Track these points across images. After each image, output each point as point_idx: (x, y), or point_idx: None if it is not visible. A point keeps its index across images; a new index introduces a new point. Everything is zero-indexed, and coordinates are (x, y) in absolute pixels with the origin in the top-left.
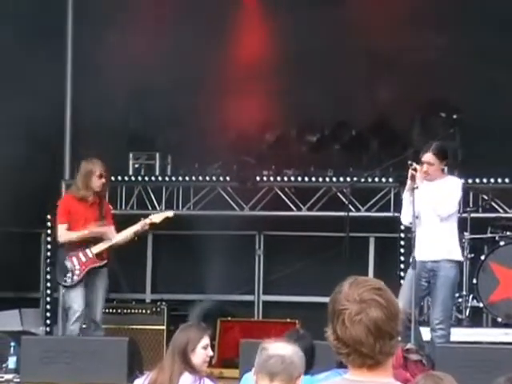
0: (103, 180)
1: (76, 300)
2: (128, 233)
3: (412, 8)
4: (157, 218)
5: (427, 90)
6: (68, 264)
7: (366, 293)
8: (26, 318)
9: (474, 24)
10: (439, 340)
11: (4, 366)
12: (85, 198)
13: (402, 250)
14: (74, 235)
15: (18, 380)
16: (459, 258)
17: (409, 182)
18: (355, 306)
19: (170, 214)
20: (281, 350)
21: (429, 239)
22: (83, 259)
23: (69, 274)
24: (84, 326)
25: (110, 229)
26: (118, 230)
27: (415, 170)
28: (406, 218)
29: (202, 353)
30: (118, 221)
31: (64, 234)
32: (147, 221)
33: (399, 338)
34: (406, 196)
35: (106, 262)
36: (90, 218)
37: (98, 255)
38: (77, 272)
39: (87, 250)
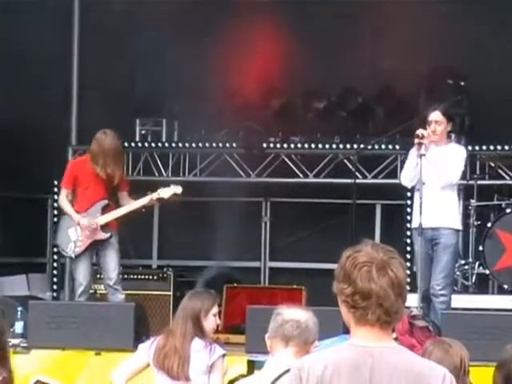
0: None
1: (80, 271)
2: (135, 206)
3: None
4: (165, 193)
5: (434, 58)
6: (71, 233)
7: (388, 253)
8: (33, 283)
9: None
10: (441, 306)
11: (11, 330)
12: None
13: (408, 217)
14: (68, 209)
15: (25, 345)
16: (459, 226)
17: (416, 147)
18: (380, 261)
19: (178, 190)
20: (296, 315)
21: (430, 207)
22: (87, 230)
23: (71, 245)
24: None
25: (122, 194)
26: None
27: (422, 137)
28: (405, 178)
29: (212, 320)
30: None
31: (61, 200)
32: (155, 195)
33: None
34: (411, 157)
35: (109, 235)
36: (97, 185)
37: (104, 226)
38: (79, 244)
39: (94, 221)
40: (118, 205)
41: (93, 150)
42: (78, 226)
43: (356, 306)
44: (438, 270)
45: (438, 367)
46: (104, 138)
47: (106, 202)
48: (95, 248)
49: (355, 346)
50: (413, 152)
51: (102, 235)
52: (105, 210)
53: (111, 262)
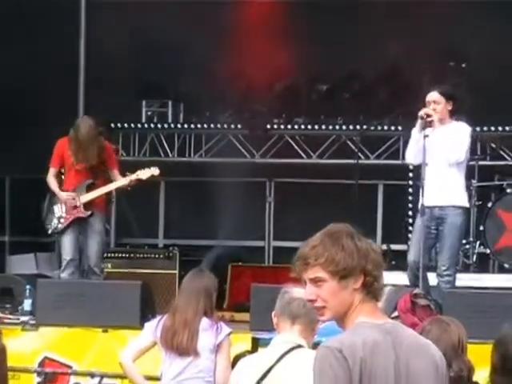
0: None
1: (64, 247)
2: (115, 186)
3: None
4: (143, 174)
5: (437, 40)
6: (56, 210)
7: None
8: (41, 262)
9: None
10: (445, 285)
11: (20, 308)
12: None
13: (410, 198)
14: (53, 186)
15: (34, 322)
16: (466, 204)
17: (419, 126)
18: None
19: (155, 172)
20: (303, 294)
21: (436, 185)
22: (70, 207)
23: (55, 221)
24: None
25: (113, 172)
26: (124, 174)
27: (428, 116)
28: (409, 156)
29: (215, 299)
30: (130, 167)
31: (48, 178)
32: (134, 177)
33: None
34: (414, 134)
35: (90, 213)
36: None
37: (86, 205)
38: (62, 220)
39: (76, 198)
40: (107, 183)
41: (69, 137)
42: (62, 204)
43: (378, 279)
44: (445, 250)
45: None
46: (78, 125)
47: (91, 181)
48: (79, 226)
49: (370, 324)
50: (415, 131)
51: (83, 212)
52: (90, 188)
53: (91, 243)
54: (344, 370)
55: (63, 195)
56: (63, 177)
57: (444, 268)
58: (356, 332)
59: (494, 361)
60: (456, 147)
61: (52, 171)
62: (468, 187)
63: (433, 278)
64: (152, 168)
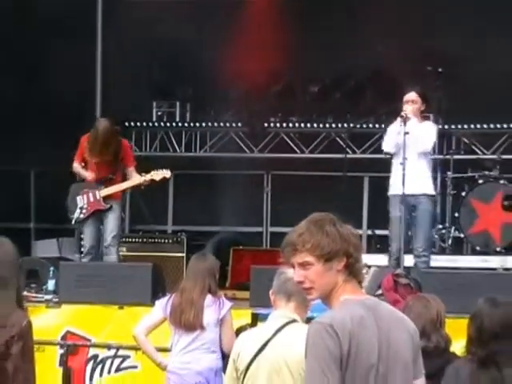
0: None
1: (85, 235)
2: (132, 183)
3: None
4: (157, 176)
5: (418, 46)
6: (79, 200)
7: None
8: (63, 246)
9: None
10: (423, 265)
11: (44, 287)
12: None
13: None
14: (80, 170)
15: (57, 300)
16: (434, 192)
17: (399, 122)
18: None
19: (168, 174)
20: None
21: (410, 174)
22: (91, 199)
23: (77, 211)
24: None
25: (129, 169)
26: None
27: (406, 117)
28: (388, 145)
29: (217, 279)
30: (142, 162)
31: (74, 167)
32: (148, 177)
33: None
34: (391, 129)
35: (109, 206)
36: (103, 162)
37: (105, 198)
38: (83, 211)
39: (97, 192)
40: (125, 179)
41: (89, 134)
42: (84, 195)
43: (358, 261)
44: (420, 234)
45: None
46: (96, 126)
47: (110, 175)
48: (100, 216)
49: (354, 301)
50: (393, 125)
51: (103, 206)
52: (109, 183)
53: (108, 226)
54: (334, 342)
55: (89, 175)
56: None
57: (421, 250)
58: (343, 308)
59: (470, 333)
60: (424, 139)
61: (76, 164)
62: (444, 178)
63: (410, 260)
64: (164, 170)
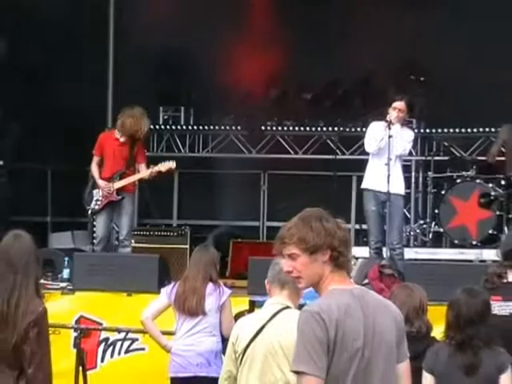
0: (139, 124)
1: (98, 226)
2: (141, 175)
3: None
4: (163, 167)
5: (402, 57)
6: (95, 193)
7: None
8: (77, 238)
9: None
10: (398, 257)
11: (59, 276)
12: (118, 136)
13: None
14: (94, 174)
15: (71, 287)
16: (403, 192)
17: (384, 127)
18: (335, 223)
19: (173, 165)
20: None
21: (385, 175)
22: (105, 193)
23: (93, 202)
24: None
25: (141, 165)
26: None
27: (391, 122)
28: (371, 146)
29: (218, 269)
30: (150, 161)
31: (92, 166)
32: (155, 168)
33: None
34: (374, 130)
35: (122, 198)
36: (118, 156)
37: (118, 190)
38: (98, 203)
39: (111, 184)
40: (135, 173)
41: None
42: (100, 189)
43: (343, 254)
44: (394, 228)
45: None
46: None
47: (123, 170)
48: (113, 209)
49: (341, 290)
50: (376, 126)
51: (115, 197)
52: (122, 177)
53: (122, 220)
54: (322, 328)
55: (101, 183)
56: (103, 163)
57: (396, 243)
58: (330, 297)
59: (449, 319)
60: (406, 145)
61: (96, 159)
62: (425, 178)
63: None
64: (170, 161)
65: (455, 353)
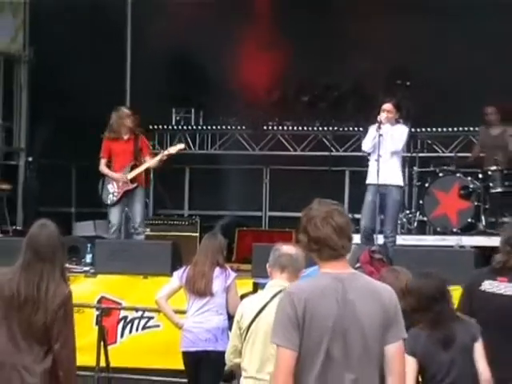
0: (132, 118)
1: (114, 215)
2: (154, 161)
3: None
4: (173, 149)
5: (390, 63)
6: (109, 187)
7: (330, 206)
8: (98, 227)
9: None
10: (391, 244)
11: (83, 261)
12: (120, 136)
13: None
14: (106, 171)
15: (93, 271)
16: (402, 184)
17: (376, 127)
18: (324, 214)
19: (181, 146)
20: (290, 250)
21: (383, 169)
22: (120, 183)
23: (110, 196)
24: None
25: (146, 157)
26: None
27: (381, 122)
28: (367, 146)
29: (225, 254)
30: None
31: (101, 167)
32: (166, 152)
33: (353, 242)
34: (370, 132)
35: (137, 185)
36: (127, 152)
37: (132, 180)
38: (115, 194)
39: (124, 176)
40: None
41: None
42: (114, 182)
43: (312, 249)
44: (389, 218)
45: (387, 287)
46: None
47: (133, 162)
48: (126, 200)
49: (327, 274)
50: (371, 128)
51: (131, 186)
52: (132, 169)
53: (136, 210)
54: (292, 307)
55: (117, 176)
56: (111, 163)
57: (389, 231)
58: (313, 280)
59: (412, 305)
60: (396, 140)
61: (103, 161)
62: (411, 172)
63: (380, 239)
64: (178, 144)
65: (430, 332)
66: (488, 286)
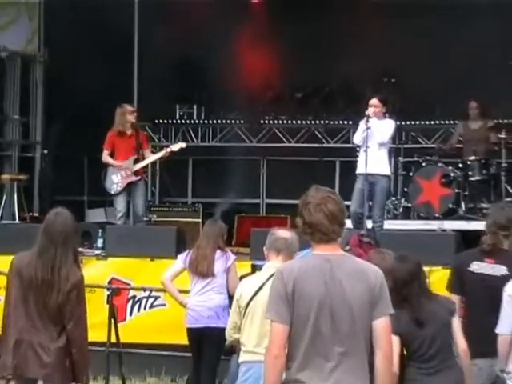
0: (134, 114)
1: (119, 203)
2: (156, 157)
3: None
4: (175, 147)
5: (377, 62)
6: (114, 177)
7: (324, 193)
8: (109, 214)
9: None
10: (378, 228)
11: (94, 245)
12: (124, 131)
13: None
14: (110, 161)
15: (104, 254)
16: (389, 173)
17: (365, 121)
18: (318, 200)
19: (183, 145)
20: (284, 234)
21: (371, 159)
22: (124, 174)
23: (114, 185)
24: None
25: (146, 150)
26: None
27: (369, 116)
28: (357, 139)
29: (225, 238)
30: None
31: (104, 157)
32: (168, 149)
33: (345, 227)
34: (360, 127)
35: (140, 177)
36: (130, 146)
37: (136, 172)
38: (120, 184)
39: (128, 168)
40: (144, 158)
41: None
42: (118, 173)
43: (307, 232)
44: (377, 205)
45: (374, 266)
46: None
47: (135, 156)
48: (129, 190)
49: (317, 255)
50: (361, 123)
51: (135, 178)
52: (135, 162)
53: (138, 203)
54: (282, 285)
55: (123, 164)
56: (114, 156)
57: (377, 217)
58: (303, 260)
59: (389, 285)
60: (383, 132)
61: (106, 152)
62: (396, 162)
63: (369, 223)
64: (180, 142)
65: (408, 311)
66: (476, 266)
